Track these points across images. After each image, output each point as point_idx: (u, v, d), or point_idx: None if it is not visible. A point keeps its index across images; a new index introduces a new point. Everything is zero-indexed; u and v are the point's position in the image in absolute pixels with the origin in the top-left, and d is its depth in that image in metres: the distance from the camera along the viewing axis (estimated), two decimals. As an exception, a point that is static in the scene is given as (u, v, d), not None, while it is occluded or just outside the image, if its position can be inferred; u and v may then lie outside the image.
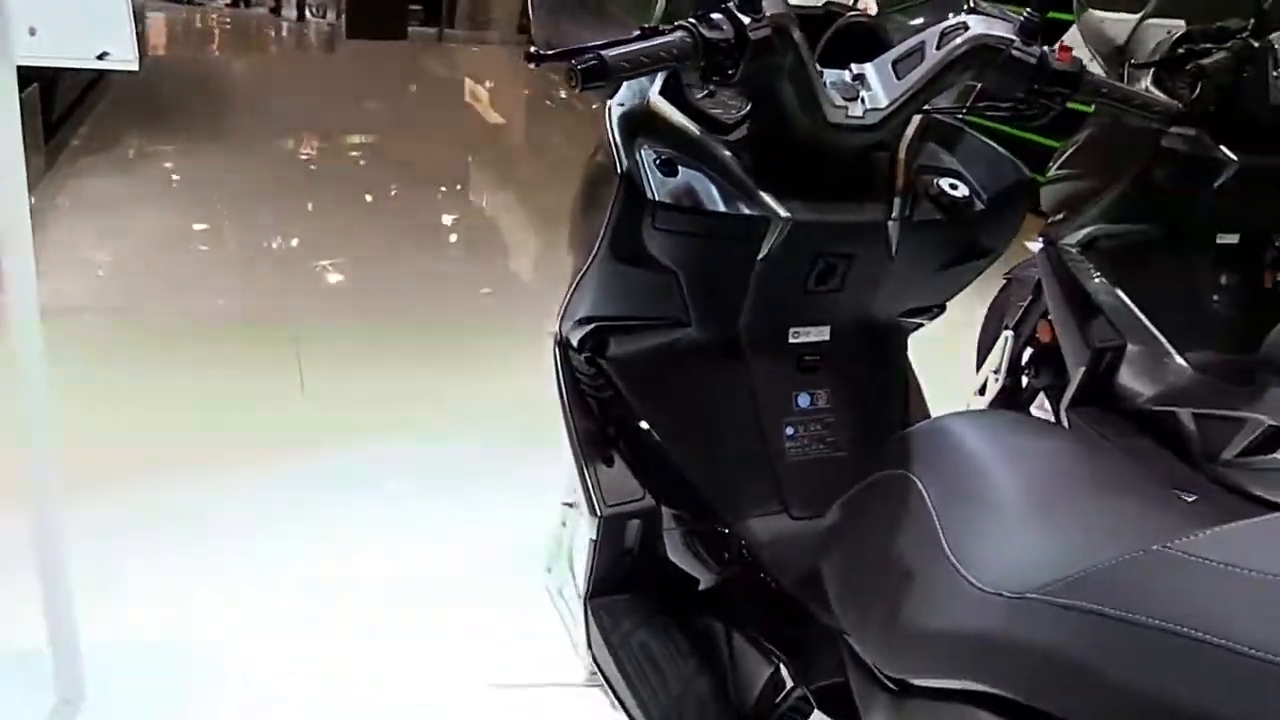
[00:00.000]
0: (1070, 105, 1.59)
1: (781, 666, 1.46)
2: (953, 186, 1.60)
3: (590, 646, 1.65)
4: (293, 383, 3.50)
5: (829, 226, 1.52)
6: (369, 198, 5.96)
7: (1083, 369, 2.58)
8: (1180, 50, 2.48)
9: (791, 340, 1.63)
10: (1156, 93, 2.42)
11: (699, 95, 1.54)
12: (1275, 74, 2.36)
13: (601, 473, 1.62)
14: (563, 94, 9.30)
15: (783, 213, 1.47)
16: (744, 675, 1.50)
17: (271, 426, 3.21)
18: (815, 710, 1.41)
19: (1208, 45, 2.46)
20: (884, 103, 1.47)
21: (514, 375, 3.35)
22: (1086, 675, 0.87)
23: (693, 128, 1.50)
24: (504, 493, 2.86)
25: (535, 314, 3.63)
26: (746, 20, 1.33)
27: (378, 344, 3.90)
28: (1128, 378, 2.57)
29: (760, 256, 1.51)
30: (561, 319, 1.66)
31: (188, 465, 2.91)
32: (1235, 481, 2.33)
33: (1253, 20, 2.47)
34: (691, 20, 1.33)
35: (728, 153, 1.49)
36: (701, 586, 1.63)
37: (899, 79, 1.47)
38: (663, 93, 1.52)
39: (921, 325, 1.77)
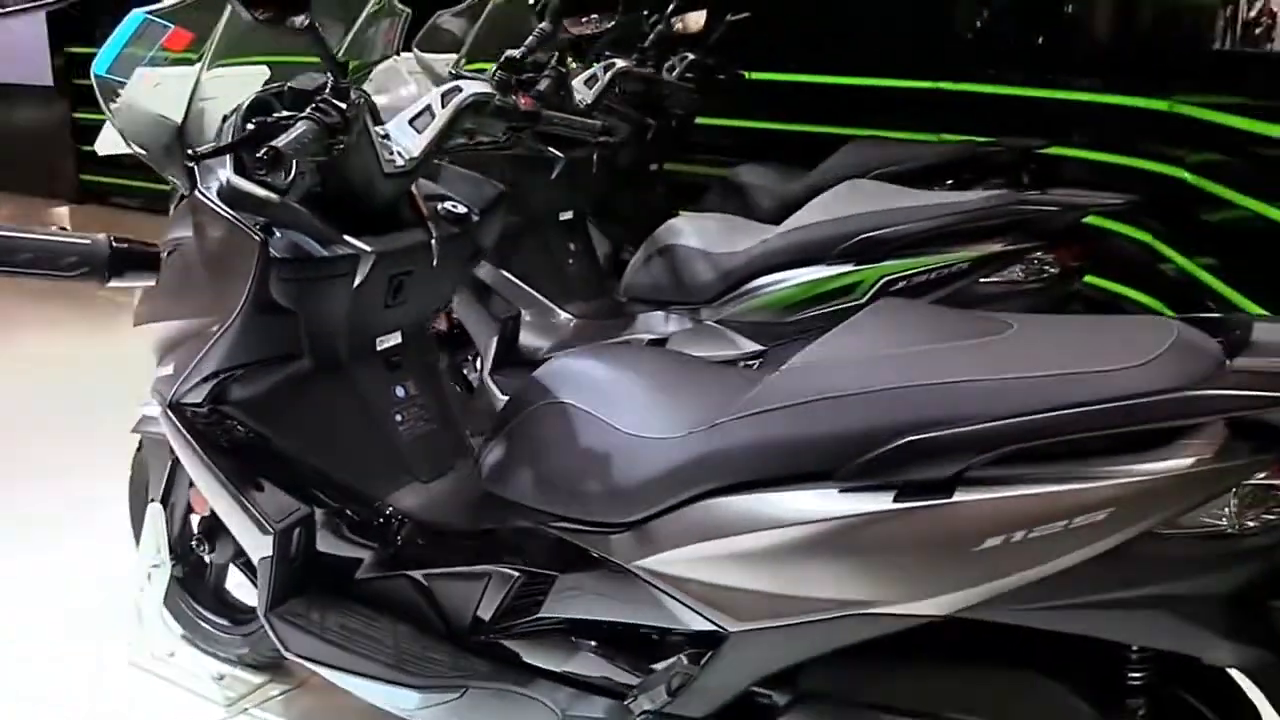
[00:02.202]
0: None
1: (479, 582, 1.82)
2: (455, 206, 2.08)
3: (288, 649, 1.87)
4: None
5: (397, 252, 1.92)
6: None
7: (494, 339, 3.17)
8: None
9: (378, 348, 2.01)
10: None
11: (259, 171, 1.83)
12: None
13: (257, 499, 1.86)
14: None
15: (367, 248, 1.85)
16: (447, 602, 1.85)
17: None
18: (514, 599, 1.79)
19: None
20: (417, 152, 1.90)
21: None
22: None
23: (273, 197, 1.79)
24: None
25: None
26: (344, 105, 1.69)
27: None
28: (528, 338, 3.23)
29: (355, 286, 1.87)
30: (177, 388, 1.85)
31: None
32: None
33: None
34: (317, 109, 1.65)
35: (305, 210, 1.81)
36: (363, 569, 1.94)
37: (420, 132, 1.91)
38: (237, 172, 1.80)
39: None
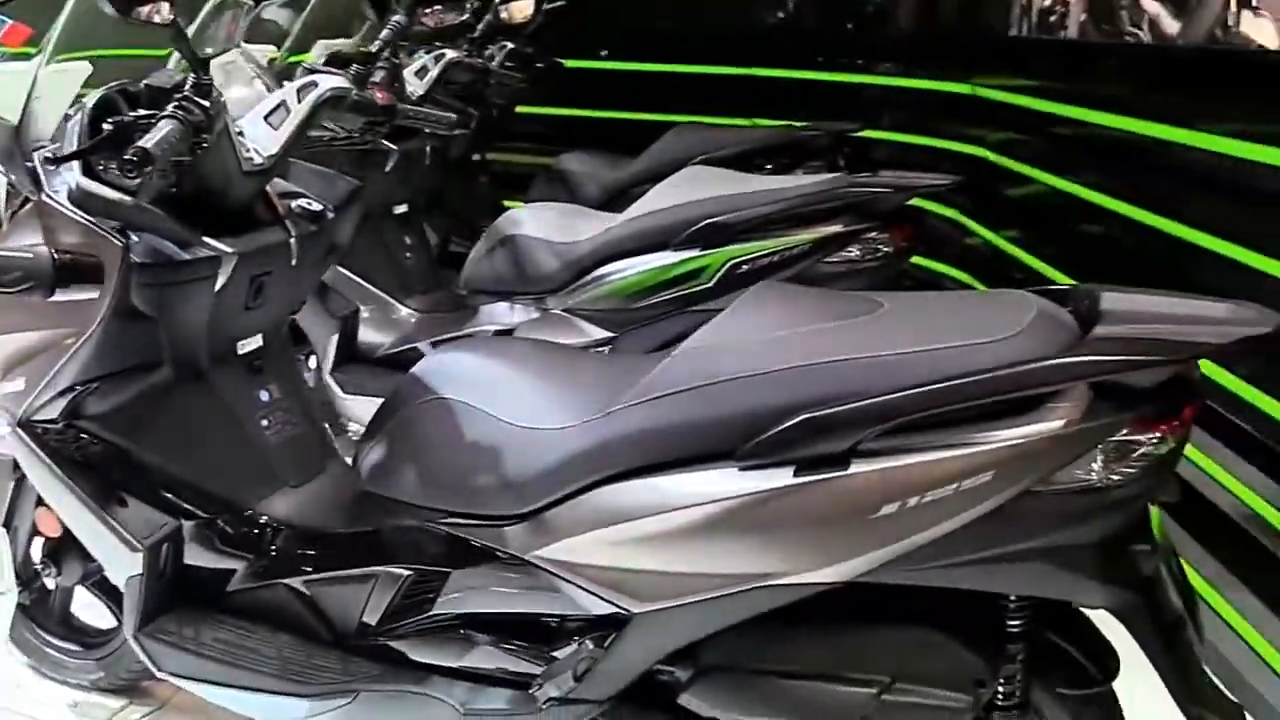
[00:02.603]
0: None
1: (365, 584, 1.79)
2: (309, 203, 2.03)
3: (161, 669, 1.80)
4: None
5: (257, 253, 1.86)
6: None
7: (333, 337, 3.09)
8: None
9: (240, 352, 1.95)
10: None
11: (111, 172, 1.74)
12: None
13: (121, 516, 1.78)
14: None
15: (229, 250, 1.79)
16: (331, 607, 1.80)
17: None
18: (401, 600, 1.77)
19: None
20: (275, 149, 1.85)
21: None
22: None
23: (126, 199, 1.71)
24: None
25: None
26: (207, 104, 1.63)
27: None
28: (368, 335, 3.17)
29: (216, 290, 1.81)
30: (29, 405, 1.75)
31: None
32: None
33: None
34: (180, 108, 1.58)
35: (160, 212, 1.74)
36: (236, 580, 1.87)
37: (276, 128, 1.86)
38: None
39: None
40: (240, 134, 1.82)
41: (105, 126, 1.64)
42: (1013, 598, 1.48)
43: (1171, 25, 2.79)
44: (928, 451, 1.32)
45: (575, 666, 1.56)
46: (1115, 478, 1.34)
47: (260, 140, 1.84)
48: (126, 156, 1.51)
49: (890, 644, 1.49)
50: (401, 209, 3.36)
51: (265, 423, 1.97)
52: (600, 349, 2.82)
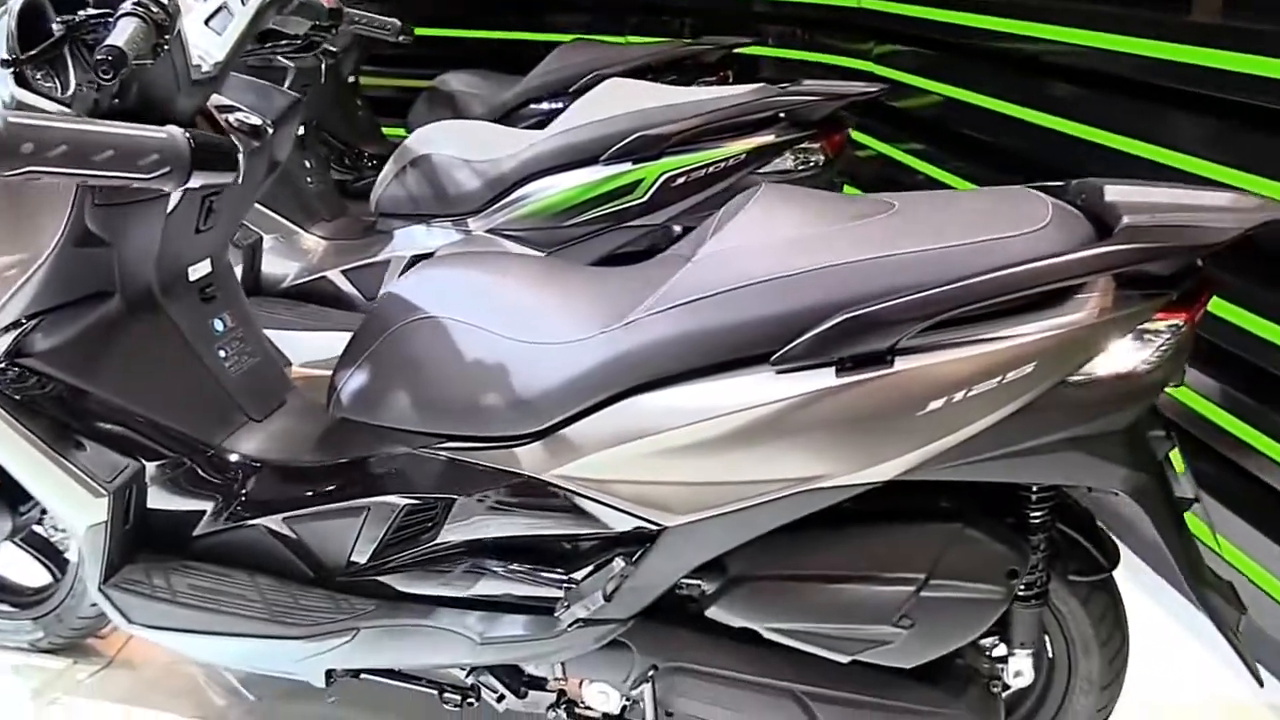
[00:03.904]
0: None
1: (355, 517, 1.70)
2: (247, 117, 1.89)
3: (133, 621, 1.68)
4: None
5: None
6: None
7: (238, 268, 2.92)
8: None
9: (191, 279, 1.81)
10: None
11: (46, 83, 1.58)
12: None
13: (82, 459, 1.64)
14: None
15: None
16: (317, 545, 1.71)
17: None
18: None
19: None
20: (220, 56, 1.70)
21: None
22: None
23: (68, 111, 1.55)
24: None
25: None
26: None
27: None
28: (273, 265, 3.01)
29: (169, 212, 1.67)
30: None
31: None
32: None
33: None
34: (139, 5, 1.42)
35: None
36: (204, 523, 1.75)
37: (220, 34, 1.71)
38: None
39: None
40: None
41: (55, 28, 1.47)
42: (1034, 489, 1.51)
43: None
44: (971, 345, 1.32)
45: (605, 586, 1.52)
46: (1143, 365, 1.37)
47: (204, 46, 1.69)
48: (100, 57, 1.35)
49: (925, 541, 1.49)
50: (299, 131, 3.18)
51: (223, 353, 1.84)
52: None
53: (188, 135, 1.35)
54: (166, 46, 1.50)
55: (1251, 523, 2.19)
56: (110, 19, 1.44)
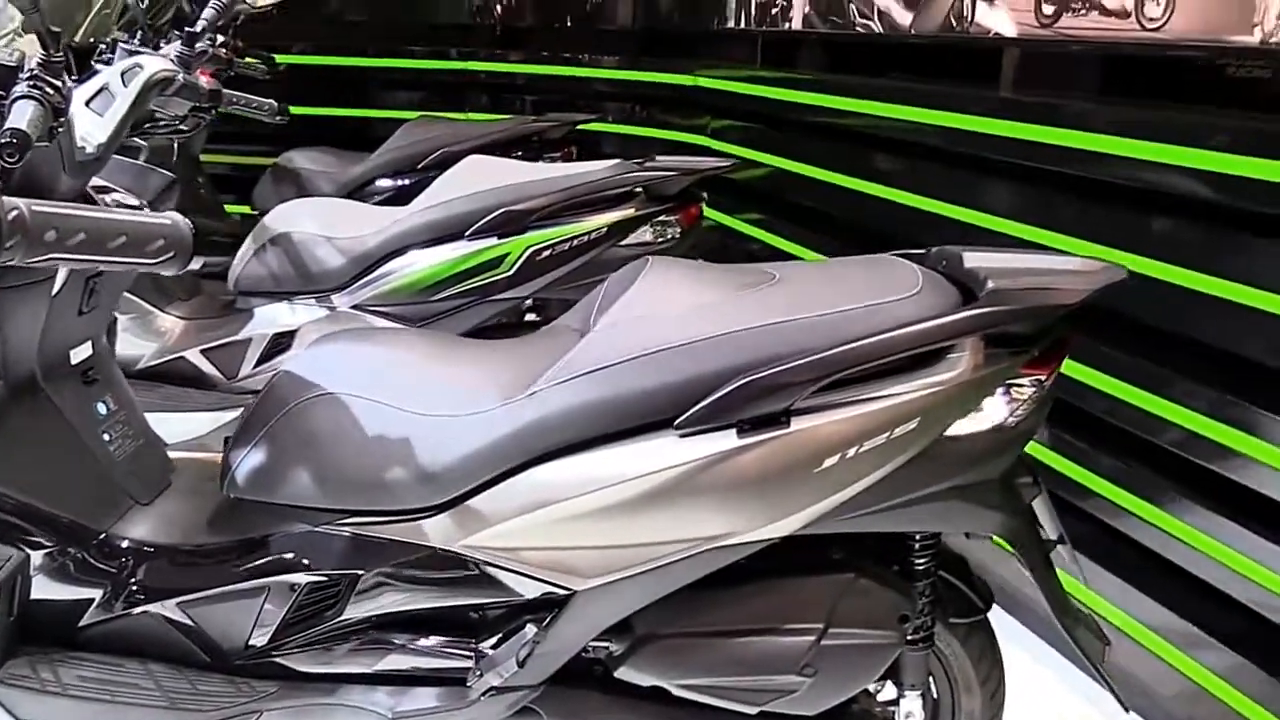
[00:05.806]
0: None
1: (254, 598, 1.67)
2: (124, 198, 1.88)
3: (20, 718, 1.61)
4: None
5: None
6: None
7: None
8: None
9: (73, 362, 1.77)
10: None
11: None
12: None
13: None
14: None
15: None
16: (214, 628, 1.67)
17: None
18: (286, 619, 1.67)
19: None
20: (104, 137, 1.70)
21: None
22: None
23: None
24: None
25: None
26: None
27: None
28: (127, 346, 2.92)
29: (54, 294, 1.64)
30: None
31: None
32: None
33: None
34: (36, 87, 1.41)
35: None
36: (91, 613, 1.70)
37: (102, 115, 1.71)
38: None
39: None
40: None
41: None
42: (918, 537, 1.62)
43: (904, 16, 3.07)
44: (860, 404, 1.42)
45: (518, 652, 1.55)
46: (1012, 418, 1.50)
47: (86, 128, 1.68)
48: (4, 140, 1.34)
49: (821, 591, 1.58)
50: None
51: (107, 437, 1.80)
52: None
53: (189, 222, 1.37)
54: (60, 128, 1.49)
55: (1092, 558, 2.37)
56: (4, 103, 1.43)
